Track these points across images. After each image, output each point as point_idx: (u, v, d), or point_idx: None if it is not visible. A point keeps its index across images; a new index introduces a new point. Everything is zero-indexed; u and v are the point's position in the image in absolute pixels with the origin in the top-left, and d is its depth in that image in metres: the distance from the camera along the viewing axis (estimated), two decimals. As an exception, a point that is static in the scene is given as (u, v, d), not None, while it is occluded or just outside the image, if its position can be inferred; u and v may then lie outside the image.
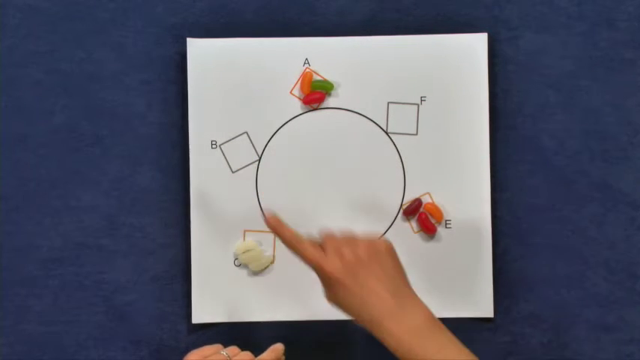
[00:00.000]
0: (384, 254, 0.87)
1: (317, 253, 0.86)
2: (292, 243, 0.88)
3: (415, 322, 0.85)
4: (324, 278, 0.86)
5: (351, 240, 0.87)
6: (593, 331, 1.00)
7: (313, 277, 1.01)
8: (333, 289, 0.86)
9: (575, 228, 1.01)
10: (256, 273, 1.01)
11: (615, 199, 1.01)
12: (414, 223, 1.01)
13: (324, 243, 0.88)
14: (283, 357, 0.93)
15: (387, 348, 0.85)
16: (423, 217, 1.00)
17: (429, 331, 0.85)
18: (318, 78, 1.01)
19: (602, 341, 1.00)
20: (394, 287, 0.85)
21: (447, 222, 1.01)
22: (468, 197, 1.00)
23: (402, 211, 1.01)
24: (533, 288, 1.01)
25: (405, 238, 1.01)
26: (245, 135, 1.01)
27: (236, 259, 1.01)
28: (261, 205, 1.01)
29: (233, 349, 0.91)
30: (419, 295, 1.01)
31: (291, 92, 1.01)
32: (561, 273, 1.01)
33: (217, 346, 0.90)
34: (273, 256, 1.01)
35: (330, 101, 1.01)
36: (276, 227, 0.89)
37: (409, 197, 1.01)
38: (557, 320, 1.00)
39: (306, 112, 1.01)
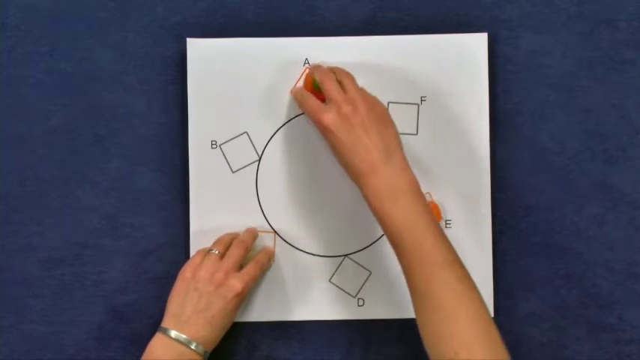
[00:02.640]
0: (381, 116, 0.92)
1: (318, 106, 0.93)
2: (298, 96, 0.97)
3: (396, 183, 0.89)
4: (321, 130, 0.92)
5: (352, 97, 0.92)
6: (593, 331, 1.00)
7: (313, 277, 1.01)
8: (329, 140, 0.92)
9: (575, 228, 1.01)
10: (256, 273, 1.01)
11: (615, 199, 1.01)
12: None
13: (327, 95, 0.93)
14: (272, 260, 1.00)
15: (368, 206, 0.89)
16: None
17: (406, 196, 0.88)
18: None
19: (602, 341, 1.00)
20: (384, 146, 0.90)
21: (447, 222, 1.01)
22: (468, 197, 1.00)
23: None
24: (533, 288, 1.01)
25: (405, 238, 1.01)
26: (245, 135, 1.01)
27: (236, 259, 1.01)
28: (261, 205, 1.01)
29: (219, 244, 0.97)
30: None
31: (291, 92, 1.01)
32: (561, 273, 1.01)
33: (202, 250, 0.97)
34: (273, 257, 1.01)
35: (330, 101, 1.01)
36: (295, 89, 0.99)
37: (409, 197, 1.01)
38: (557, 320, 1.00)
39: (306, 112, 1.01)
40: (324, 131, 0.92)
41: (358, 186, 0.90)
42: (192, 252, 1.00)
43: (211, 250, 0.96)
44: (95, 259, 1.01)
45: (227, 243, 0.97)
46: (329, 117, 0.91)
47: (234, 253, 0.96)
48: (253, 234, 0.99)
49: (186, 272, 0.95)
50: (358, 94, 0.92)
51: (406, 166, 0.90)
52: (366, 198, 0.89)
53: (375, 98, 0.94)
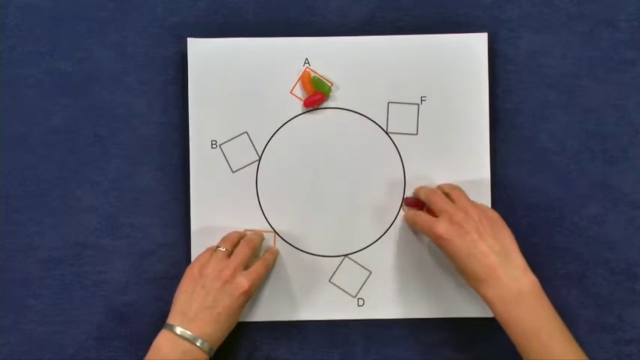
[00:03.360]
0: (494, 219, 0.92)
1: (430, 219, 0.93)
2: (409, 217, 0.98)
3: (518, 287, 0.88)
4: (435, 239, 0.92)
5: (463, 205, 0.93)
6: (593, 331, 1.00)
7: (313, 277, 1.01)
8: (445, 249, 0.92)
9: (575, 228, 1.01)
10: (256, 273, 1.01)
11: (615, 199, 1.01)
12: (414, 223, 1.01)
13: (436, 208, 0.94)
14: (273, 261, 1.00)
15: (491, 311, 0.88)
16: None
17: (530, 300, 0.87)
18: (316, 76, 1.01)
19: (602, 341, 1.00)
20: (501, 248, 0.89)
21: (447, 222, 1.01)
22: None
23: (403, 200, 1.01)
24: (533, 288, 1.01)
25: (405, 238, 1.01)
26: (245, 135, 1.01)
27: (236, 259, 1.01)
28: (261, 205, 1.01)
29: (227, 240, 0.98)
30: (419, 294, 1.01)
31: (291, 92, 1.01)
32: (561, 273, 1.01)
33: (210, 248, 0.97)
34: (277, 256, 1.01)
35: (330, 101, 1.01)
36: (406, 212, 1.00)
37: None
38: (557, 320, 1.01)
39: (306, 112, 1.01)
40: (440, 241, 0.92)
41: (478, 292, 0.90)
42: (193, 252, 1.00)
43: (219, 247, 0.96)
44: (95, 259, 1.01)
45: (234, 241, 0.97)
46: (442, 226, 0.91)
47: (242, 252, 0.96)
48: (260, 235, 1.00)
49: (193, 269, 0.95)
50: (468, 201, 0.93)
51: (526, 267, 0.89)
52: (489, 304, 0.89)
53: (485, 206, 0.95)
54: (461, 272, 0.92)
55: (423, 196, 0.97)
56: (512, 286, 0.87)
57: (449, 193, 0.95)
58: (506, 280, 0.88)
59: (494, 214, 0.92)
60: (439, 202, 0.94)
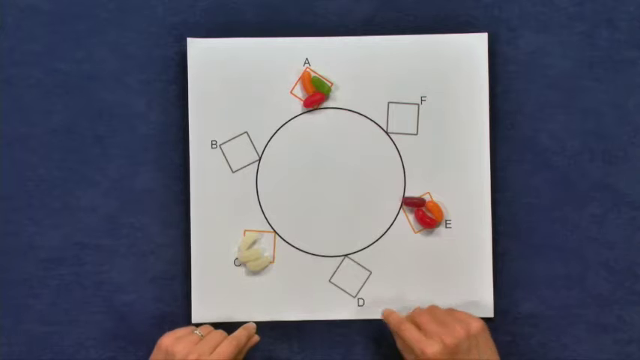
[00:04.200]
0: (481, 338, 0.92)
1: (420, 338, 0.91)
2: (398, 326, 0.94)
3: None
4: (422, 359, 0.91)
5: (448, 325, 0.92)
6: (593, 331, 1.00)
7: (313, 277, 1.01)
8: None
9: (575, 228, 1.01)
10: (255, 273, 1.01)
11: (615, 199, 1.01)
12: (414, 223, 1.01)
13: (422, 325, 0.93)
14: (256, 335, 0.98)
15: None
16: (420, 213, 1.00)
17: None
18: (316, 76, 1.01)
19: (602, 341, 1.00)
20: None
21: (447, 222, 1.01)
22: (468, 197, 1.00)
23: (403, 200, 1.01)
24: (533, 288, 1.01)
25: (405, 238, 1.01)
26: (245, 135, 1.01)
27: (236, 258, 1.01)
28: (261, 205, 1.01)
29: (206, 328, 0.96)
30: (419, 294, 1.01)
31: (291, 92, 1.01)
32: (561, 273, 1.01)
33: (190, 327, 0.96)
34: (273, 256, 1.01)
35: (330, 101, 1.01)
36: (387, 314, 0.98)
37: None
38: (557, 320, 1.00)
39: (306, 112, 1.01)
40: None
41: None
42: (193, 252, 1.00)
43: (195, 331, 0.95)
44: (95, 259, 1.01)
45: (213, 334, 0.95)
46: (434, 350, 0.90)
47: (214, 339, 0.93)
48: (249, 331, 0.98)
49: (166, 340, 0.93)
50: (449, 317, 0.93)
51: None
52: None
53: (466, 315, 0.93)
54: None
55: (392, 328, 0.96)
56: None
57: (417, 318, 0.95)
58: None
59: (478, 326, 0.92)
60: (426, 323, 0.93)
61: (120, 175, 1.01)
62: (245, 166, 1.01)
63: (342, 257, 1.01)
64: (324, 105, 1.01)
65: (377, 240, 1.01)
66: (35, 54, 1.01)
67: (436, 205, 1.00)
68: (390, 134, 1.01)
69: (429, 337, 0.91)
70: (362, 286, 1.01)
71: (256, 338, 0.98)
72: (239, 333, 0.96)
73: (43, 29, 1.01)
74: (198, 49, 1.01)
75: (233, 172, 1.01)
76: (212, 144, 1.01)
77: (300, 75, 1.01)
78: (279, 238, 1.01)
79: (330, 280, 1.01)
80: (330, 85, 1.01)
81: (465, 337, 0.91)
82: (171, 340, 0.93)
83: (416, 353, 0.91)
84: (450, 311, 0.95)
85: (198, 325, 0.98)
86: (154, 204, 1.01)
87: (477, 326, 0.92)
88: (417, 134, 1.01)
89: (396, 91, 1.01)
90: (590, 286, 1.01)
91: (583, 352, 1.00)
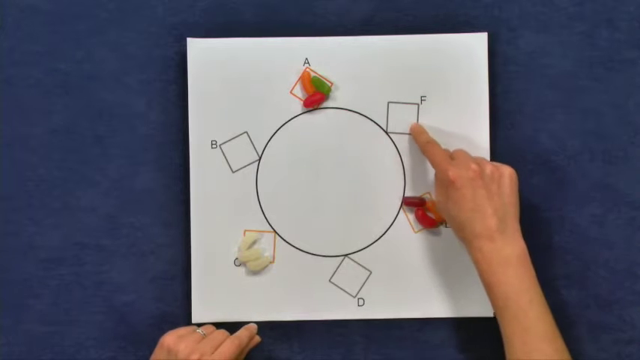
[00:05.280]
0: (507, 179, 0.92)
1: (445, 159, 0.93)
2: (426, 145, 0.96)
3: (508, 252, 0.89)
4: (444, 182, 0.92)
5: (480, 158, 0.93)
6: (593, 331, 1.00)
7: (313, 277, 1.01)
8: (448, 195, 0.92)
9: (575, 228, 1.01)
10: (255, 272, 1.01)
11: (615, 199, 1.01)
12: (414, 223, 1.01)
13: (455, 153, 0.94)
14: (257, 336, 0.98)
15: (475, 267, 0.90)
16: (420, 213, 1.00)
17: (517, 266, 0.89)
18: (316, 76, 1.01)
19: (602, 341, 1.00)
20: (503, 213, 0.91)
21: (447, 222, 1.01)
22: (468, 197, 1.00)
23: (403, 200, 1.00)
24: (533, 288, 1.00)
25: (405, 238, 1.01)
26: (245, 135, 1.01)
27: (236, 258, 1.01)
28: (261, 205, 1.01)
29: (208, 327, 0.96)
30: (419, 294, 1.01)
31: (291, 92, 1.01)
32: (561, 273, 1.01)
33: (192, 326, 0.96)
34: (273, 256, 1.01)
35: (330, 101, 1.01)
36: (417, 131, 0.99)
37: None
38: (557, 320, 1.00)
39: (306, 112, 1.01)
40: (449, 185, 0.92)
41: (467, 245, 0.91)
42: (193, 252, 1.00)
43: (198, 330, 0.95)
44: (95, 259, 1.01)
45: (216, 334, 0.95)
46: (456, 172, 0.91)
47: (216, 338, 0.93)
48: (251, 331, 0.97)
49: (168, 338, 0.93)
50: (481, 157, 0.94)
51: (519, 235, 0.91)
52: (476, 261, 0.90)
53: (502, 164, 0.94)
54: (456, 220, 0.92)
55: (421, 148, 0.97)
56: (502, 250, 0.89)
57: (455, 150, 0.96)
58: (500, 243, 0.89)
59: (508, 171, 0.93)
60: (458, 152, 0.95)
61: (120, 175, 1.01)
62: (245, 166, 1.01)
63: (342, 257, 1.01)
64: (324, 105, 1.01)
65: (377, 240, 1.01)
66: (35, 54, 1.01)
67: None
68: (390, 134, 1.01)
69: (456, 162, 0.92)
70: (362, 286, 1.01)
71: (257, 339, 0.98)
72: (241, 333, 0.96)
73: (43, 29, 1.01)
74: (198, 49, 1.01)
75: (233, 172, 1.01)
76: (212, 144, 1.01)
77: (299, 75, 1.01)
78: (279, 238, 1.01)
79: (330, 280, 1.01)
80: (330, 85, 1.01)
81: (490, 171, 0.91)
82: (173, 339, 0.93)
83: (438, 175, 0.93)
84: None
85: (198, 325, 0.98)
86: (153, 204, 1.01)
87: (507, 170, 0.92)
88: (416, 134, 1.01)
89: (395, 91, 1.01)
90: (590, 286, 1.01)
91: (583, 352, 1.00)
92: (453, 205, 0.92)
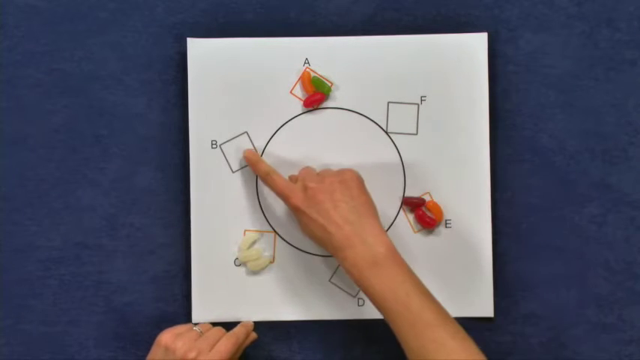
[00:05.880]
0: (349, 183, 0.92)
1: (285, 185, 0.94)
2: (265, 178, 0.97)
3: (372, 253, 0.88)
4: (291, 209, 0.93)
5: (321, 173, 0.94)
6: (593, 331, 1.00)
7: (313, 277, 1.01)
8: (300, 220, 0.93)
9: (575, 228, 1.01)
10: (255, 272, 1.01)
11: (615, 199, 1.01)
12: (414, 223, 1.01)
13: (299, 174, 0.95)
14: (253, 333, 0.98)
15: (349, 278, 0.90)
16: (420, 213, 1.00)
17: (385, 264, 0.88)
18: (316, 76, 1.01)
19: (602, 341, 1.00)
20: (356, 216, 0.90)
21: (447, 222, 1.01)
22: (468, 197, 1.00)
23: (403, 200, 1.01)
24: (533, 288, 1.01)
25: (405, 238, 1.01)
26: (245, 135, 1.01)
27: (236, 258, 1.01)
28: (261, 205, 1.01)
29: (205, 325, 0.97)
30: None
31: (291, 92, 1.01)
32: (561, 273, 1.01)
33: (189, 324, 0.97)
34: (273, 256, 1.01)
35: (330, 101, 1.01)
36: (253, 160, 0.98)
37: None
38: (557, 320, 1.01)
39: (306, 112, 1.01)
40: (295, 211, 0.93)
41: (336, 259, 0.91)
42: (193, 252, 1.00)
43: (195, 328, 0.95)
44: (95, 259, 1.01)
45: (213, 331, 0.95)
46: (297, 197, 0.92)
47: (213, 336, 0.94)
48: (247, 328, 0.98)
49: (165, 336, 0.93)
50: (328, 170, 0.95)
51: (380, 231, 0.90)
52: (346, 272, 0.90)
53: (347, 169, 0.94)
54: (313, 238, 0.93)
55: (261, 176, 0.98)
56: (366, 253, 0.88)
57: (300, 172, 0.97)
58: (361, 248, 0.89)
59: (348, 175, 0.93)
60: (301, 171, 0.95)
61: (120, 175, 1.01)
62: (245, 166, 1.01)
63: (342, 257, 1.01)
64: (324, 105, 1.01)
65: (377, 240, 1.01)
66: (35, 54, 1.01)
67: (436, 205, 1.00)
68: (389, 134, 1.01)
69: (296, 185, 0.93)
70: (362, 286, 1.01)
71: (254, 335, 0.98)
72: (237, 330, 0.96)
73: (43, 29, 1.01)
74: (198, 49, 1.01)
75: (233, 172, 1.01)
76: (212, 144, 1.01)
77: (300, 75, 1.01)
78: (279, 238, 1.01)
79: (330, 280, 1.01)
80: (330, 85, 1.01)
81: (330, 181, 0.92)
82: (170, 337, 0.93)
83: (285, 204, 0.94)
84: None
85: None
86: (153, 204, 1.01)
87: (348, 174, 0.93)
88: (416, 134, 1.01)
89: (395, 91, 1.01)
90: (590, 286, 1.01)
91: (583, 352, 1.00)
92: (306, 227, 0.93)
